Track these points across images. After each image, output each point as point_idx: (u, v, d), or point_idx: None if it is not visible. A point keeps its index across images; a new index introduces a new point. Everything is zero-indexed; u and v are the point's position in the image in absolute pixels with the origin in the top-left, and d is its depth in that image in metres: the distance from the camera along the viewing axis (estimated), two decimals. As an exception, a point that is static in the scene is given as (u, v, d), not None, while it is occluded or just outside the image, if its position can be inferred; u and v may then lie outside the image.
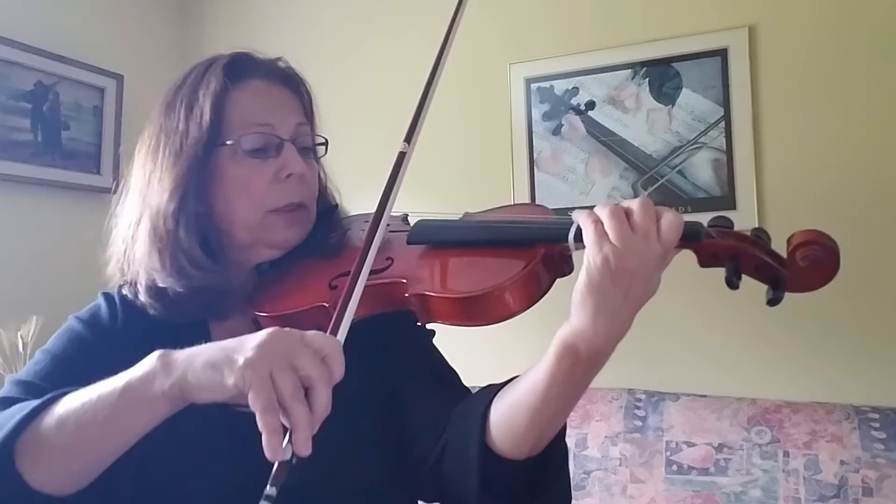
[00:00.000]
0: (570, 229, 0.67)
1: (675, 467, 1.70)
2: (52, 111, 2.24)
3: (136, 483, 0.76)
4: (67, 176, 2.27)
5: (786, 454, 1.62)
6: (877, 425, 1.59)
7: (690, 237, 0.63)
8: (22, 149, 2.15)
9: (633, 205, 0.62)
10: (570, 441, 1.82)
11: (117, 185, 0.91)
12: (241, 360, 0.60)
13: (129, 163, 0.90)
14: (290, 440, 0.58)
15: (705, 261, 0.66)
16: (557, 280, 0.72)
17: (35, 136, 2.19)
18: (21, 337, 1.89)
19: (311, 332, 0.63)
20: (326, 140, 0.94)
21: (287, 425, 0.58)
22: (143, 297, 0.83)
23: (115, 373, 0.71)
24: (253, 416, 0.75)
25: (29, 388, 0.77)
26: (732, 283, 0.62)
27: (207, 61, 0.88)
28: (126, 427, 0.65)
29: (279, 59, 0.92)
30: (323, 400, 0.59)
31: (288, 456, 0.57)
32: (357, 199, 1.02)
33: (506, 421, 0.71)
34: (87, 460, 0.67)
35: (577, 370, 0.65)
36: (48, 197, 2.24)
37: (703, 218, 1.92)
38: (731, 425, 1.69)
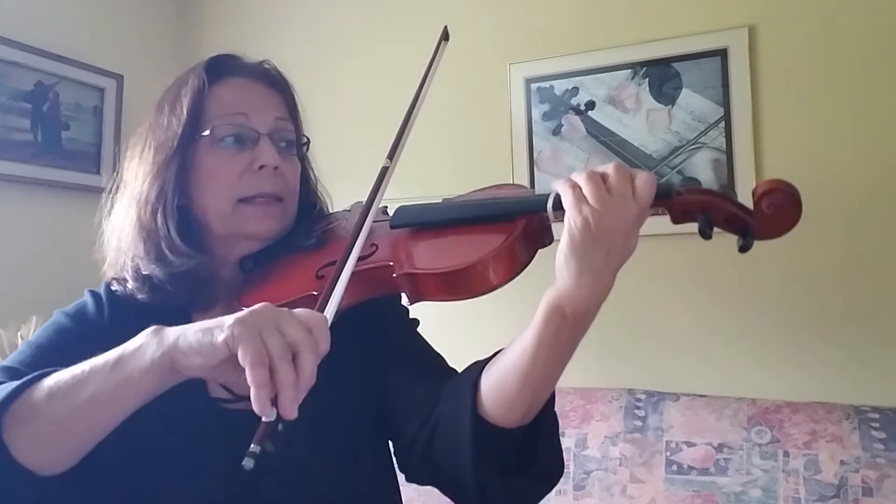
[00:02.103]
0: (548, 199, 0.70)
1: (675, 467, 1.70)
2: (52, 111, 2.24)
3: (124, 481, 0.77)
4: (67, 176, 2.27)
5: (786, 454, 1.62)
6: (877, 425, 1.59)
7: (663, 195, 0.67)
8: (22, 149, 2.15)
9: (608, 169, 0.65)
10: (570, 441, 1.82)
11: (114, 185, 0.93)
12: (230, 320, 0.61)
13: (123, 162, 0.94)
14: (275, 403, 0.58)
15: (678, 217, 0.69)
16: (538, 262, 0.74)
17: (35, 136, 2.19)
18: (21, 337, 1.89)
19: (298, 308, 0.65)
20: (308, 139, 0.96)
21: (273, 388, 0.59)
22: (130, 284, 0.86)
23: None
24: (239, 412, 0.75)
25: (13, 374, 0.77)
26: (705, 233, 0.67)
27: (196, 64, 0.91)
28: (116, 400, 0.65)
29: (264, 61, 0.94)
30: (309, 366, 0.60)
31: (273, 417, 0.58)
32: (351, 200, 1.03)
33: (497, 387, 0.73)
34: (76, 434, 0.67)
35: (564, 331, 0.68)
36: (48, 197, 2.24)
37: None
38: (731, 425, 1.69)
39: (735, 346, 1.88)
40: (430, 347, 0.93)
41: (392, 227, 0.82)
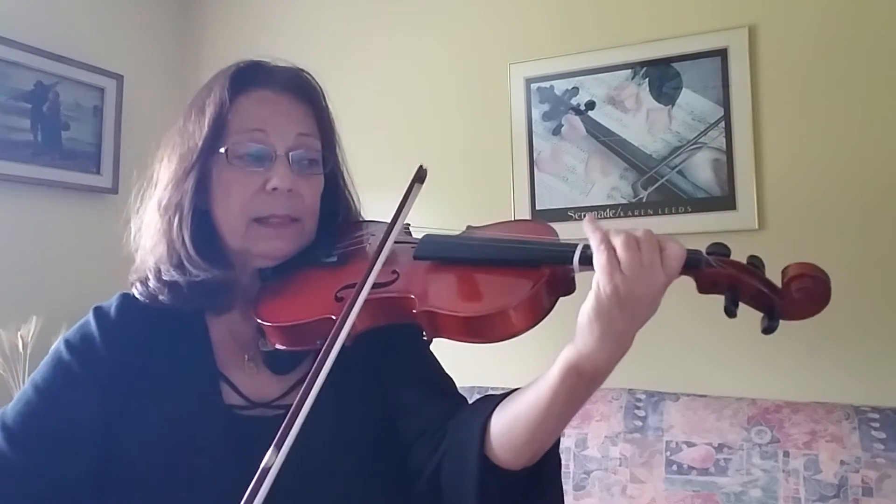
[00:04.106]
0: (575, 252, 0.69)
1: (675, 467, 1.70)
2: (52, 111, 2.24)
3: (137, 483, 0.77)
4: (67, 176, 2.27)
5: (786, 454, 1.62)
6: (877, 425, 1.59)
7: (692, 266, 0.66)
8: (22, 149, 2.15)
9: (639, 234, 0.65)
10: (570, 441, 1.82)
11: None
12: None
13: (132, 164, 0.94)
14: None
15: (704, 288, 0.68)
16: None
17: (35, 136, 2.19)
18: (21, 337, 1.89)
19: None
20: (330, 156, 0.93)
21: None
22: (152, 284, 0.86)
23: (103, 395, 0.74)
24: (252, 418, 0.76)
25: (13, 438, 0.78)
26: (730, 311, 0.66)
27: (227, 67, 0.90)
28: None
29: (296, 68, 0.93)
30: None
31: None
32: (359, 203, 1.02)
33: (507, 433, 0.73)
34: None
35: (579, 388, 0.68)
36: (48, 197, 2.24)
37: (705, 218, 1.92)
38: (731, 425, 1.69)
39: (735, 346, 1.88)
40: (442, 370, 0.93)
41: (416, 258, 0.81)
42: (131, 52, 2.54)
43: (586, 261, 0.67)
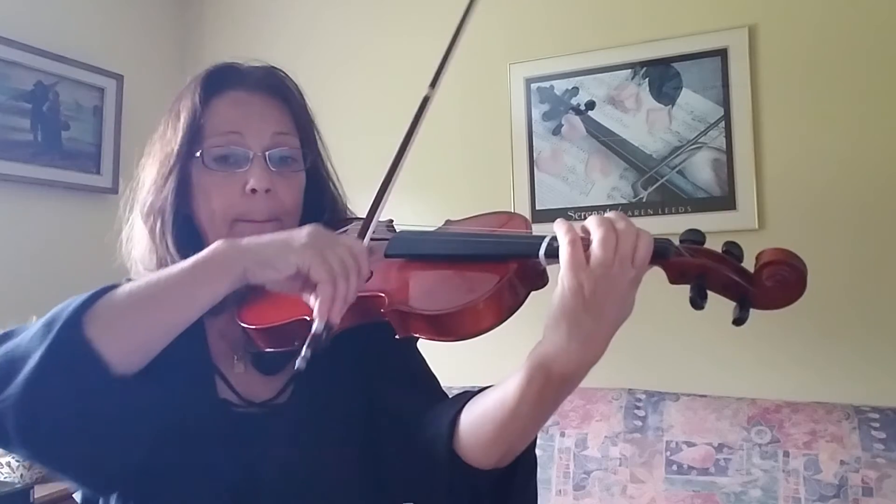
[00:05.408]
0: (541, 245, 0.67)
1: (675, 467, 1.70)
2: (52, 111, 2.24)
3: (142, 482, 0.77)
4: (67, 176, 2.27)
5: (786, 454, 1.62)
6: (877, 425, 1.59)
7: (659, 255, 0.63)
8: (22, 149, 2.15)
9: (619, 225, 0.62)
10: (570, 441, 1.82)
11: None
12: (298, 243, 0.70)
13: (132, 164, 0.95)
14: (321, 316, 0.67)
15: (674, 278, 0.66)
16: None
17: (35, 136, 2.19)
18: (21, 337, 1.89)
19: (342, 235, 0.72)
20: (309, 153, 0.93)
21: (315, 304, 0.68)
22: None
23: None
24: (246, 415, 0.76)
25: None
26: (696, 303, 0.62)
27: (201, 71, 0.90)
28: (191, 299, 0.71)
29: (268, 67, 0.92)
30: (355, 286, 0.70)
31: (322, 327, 0.67)
32: (356, 204, 1.02)
33: (474, 430, 0.72)
34: (150, 332, 0.71)
35: (548, 391, 0.66)
36: (48, 197, 2.24)
37: (705, 218, 1.91)
38: (731, 425, 1.70)
39: (735, 346, 1.88)
40: (425, 366, 0.93)
41: (387, 255, 0.81)
42: (131, 52, 2.54)
43: (552, 253, 0.64)
